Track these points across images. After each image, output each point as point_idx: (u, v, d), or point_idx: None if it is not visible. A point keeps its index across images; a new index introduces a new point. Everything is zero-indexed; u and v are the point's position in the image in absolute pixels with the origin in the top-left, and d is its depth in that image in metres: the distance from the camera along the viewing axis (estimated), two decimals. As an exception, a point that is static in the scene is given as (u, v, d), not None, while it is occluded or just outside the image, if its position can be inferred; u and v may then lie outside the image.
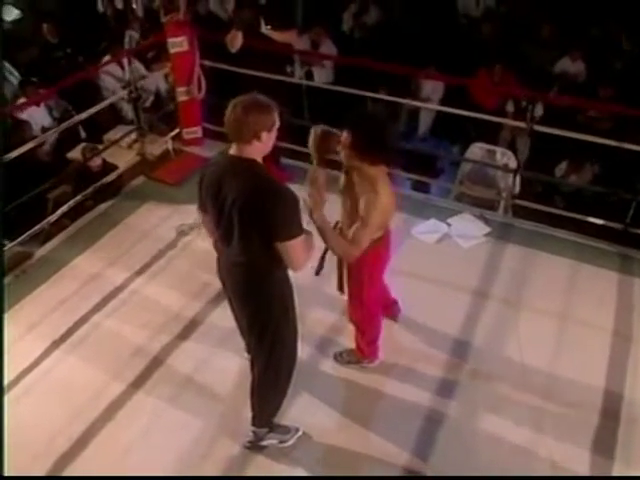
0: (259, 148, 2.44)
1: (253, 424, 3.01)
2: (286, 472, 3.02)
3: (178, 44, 4.71)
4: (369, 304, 3.24)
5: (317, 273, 3.15)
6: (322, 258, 3.12)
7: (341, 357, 3.51)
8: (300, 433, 3.12)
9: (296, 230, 2.46)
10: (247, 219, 2.43)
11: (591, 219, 4.37)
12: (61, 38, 7.10)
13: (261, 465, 3.05)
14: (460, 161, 5.54)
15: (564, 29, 6.69)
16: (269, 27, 4.37)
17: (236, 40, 4.36)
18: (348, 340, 3.51)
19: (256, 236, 2.46)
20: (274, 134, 2.47)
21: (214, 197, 2.51)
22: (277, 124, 2.47)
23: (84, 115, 4.88)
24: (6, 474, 2.10)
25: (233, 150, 2.47)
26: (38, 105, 5.90)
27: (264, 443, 3.07)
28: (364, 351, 3.42)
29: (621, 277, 4.09)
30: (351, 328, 3.42)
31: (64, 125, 5.01)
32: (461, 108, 6.01)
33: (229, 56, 4.58)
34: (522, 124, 4.46)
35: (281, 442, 3.09)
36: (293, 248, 2.46)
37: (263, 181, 2.44)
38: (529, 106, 4.41)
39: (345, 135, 2.77)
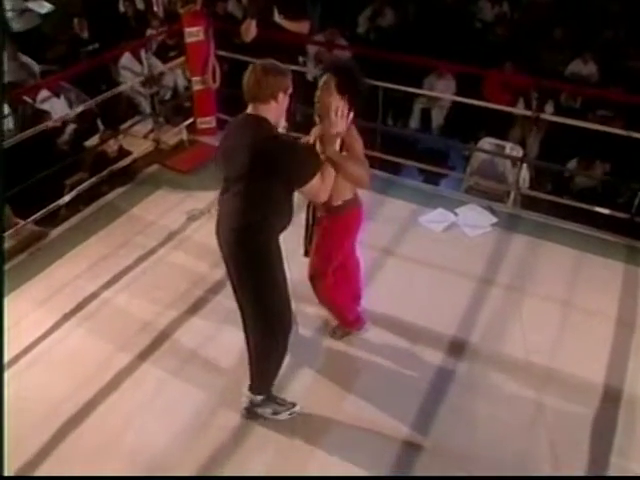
0: (274, 108, 2.60)
1: (249, 389, 3.06)
2: (284, 442, 3.05)
3: (194, 34, 4.84)
4: (326, 277, 3.24)
5: (306, 254, 3.25)
6: (309, 238, 3.23)
7: (334, 333, 3.56)
8: (297, 409, 3.14)
9: (312, 171, 2.63)
10: (257, 168, 2.54)
11: (598, 209, 4.39)
12: (90, 33, 7.30)
13: (261, 434, 3.08)
14: (469, 156, 5.58)
15: (576, 32, 6.74)
16: (282, 16, 4.47)
17: (250, 30, 4.47)
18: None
19: (263, 185, 2.58)
20: (287, 99, 2.63)
21: (227, 147, 2.69)
22: (291, 89, 2.62)
23: (99, 98, 5.05)
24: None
25: (250, 110, 2.62)
26: (54, 93, 6.03)
27: (259, 411, 3.10)
28: (348, 324, 3.50)
29: (627, 267, 4.12)
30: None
31: (79, 109, 5.13)
32: (472, 107, 6.15)
33: (243, 48, 4.69)
34: (528, 112, 4.50)
35: (274, 413, 3.11)
36: (313, 188, 2.66)
37: (274, 134, 2.61)
38: (534, 95, 4.40)
39: (327, 79, 2.86)
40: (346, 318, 3.49)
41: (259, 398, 3.08)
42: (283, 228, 2.76)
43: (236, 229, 2.68)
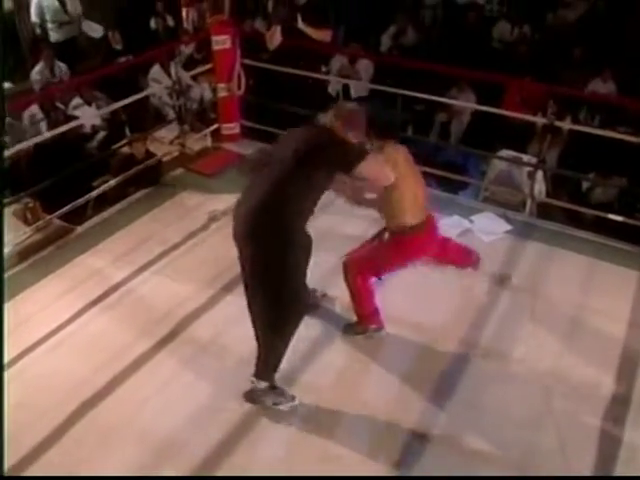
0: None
1: (254, 374, 3.13)
2: (294, 431, 3.12)
3: (221, 42, 5.04)
4: (364, 280, 3.39)
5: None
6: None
7: (349, 329, 3.62)
8: (296, 403, 3.18)
9: (359, 156, 2.87)
10: (305, 152, 2.83)
11: (612, 216, 4.43)
12: (125, 45, 7.58)
13: (270, 421, 3.15)
14: (487, 168, 5.66)
15: (596, 51, 6.85)
16: (305, 24, 4.64)
17: (275, 37, 4.64)
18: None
19: (303, 169, 2.81)
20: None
21: (286, 137, 3.01)
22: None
23: (127, 101, 5.29)
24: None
25: None
26: (86, 101, 6.28)
27: (260, 398, 3.16)
28: (366, 320, 3.54)
29: (640, 275, 4.15)
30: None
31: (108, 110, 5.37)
32: (491, 121, 6.26)
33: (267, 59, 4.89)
34: (543, 120, 4.58)
35: (274, 404, 3.16)
36: (365, 170, 2.89)
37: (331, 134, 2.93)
38: (552, 109, 4.49)
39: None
40: (366, 309, 3.51)
41: (262, 385, 3.13)
42: (300, 215, 2.89)
43: (258, 205, 2.85)
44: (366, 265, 3.40)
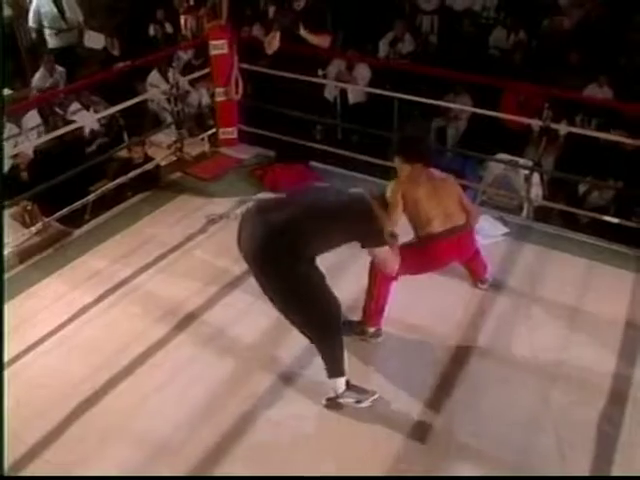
0: None
1: (328, 375, 3.14)
2: (295, 431, 3.13)
3: (219, 47, 5.08)
4: (385, 277, 3.44)
5: None
6: None
7: (348, 327, 3.59)
8: (376, 396, 3.21)
9: (381, 240, 3.09)
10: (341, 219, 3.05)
11: (607, 218, 4.46)
12: (123, 52, 7.63)
13: (264, 427, 3.14)
14: (484, 173, 5.70)
15: (592, 57, 6.90)
16: (307, 31, 4.69)
17: (274, 41, 4.68)
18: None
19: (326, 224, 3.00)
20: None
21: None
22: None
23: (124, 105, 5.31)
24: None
25: None
26: (84, 106, 6.32)
27: (342, 401, 3.18)
28: (370, 318, 3.56)
29: (637, 276, 4.14)
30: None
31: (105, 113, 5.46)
32: (488, 127, 6.30)
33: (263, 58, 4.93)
34: (539, 122, 4.62)
35: (357, 402, 3.18)
36: (381, 253, 3.14)
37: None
38: (548, 114, 4.53)
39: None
40: (376, 305, 3.53)
41: (341, 386, 3.15)
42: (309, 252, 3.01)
43: (276, 227, 2.94)
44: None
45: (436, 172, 3.60)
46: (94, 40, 7.76)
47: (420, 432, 3.12)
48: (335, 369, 3.13)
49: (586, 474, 2.95)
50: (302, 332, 3.14)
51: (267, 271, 2.98)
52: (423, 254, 3.52)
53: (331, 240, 3.06)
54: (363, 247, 3.14)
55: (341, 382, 3.14)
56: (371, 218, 3.07)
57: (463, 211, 3.57)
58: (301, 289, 2.97)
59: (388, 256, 3.18)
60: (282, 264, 2.91)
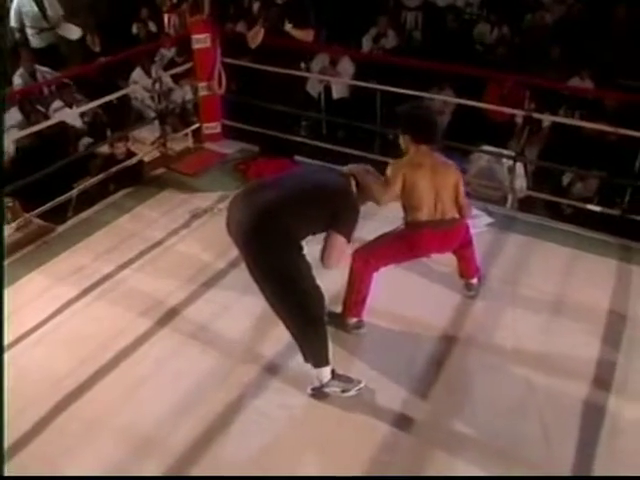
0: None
1: (313, 365, 3.12)
2: (280, 420, 3.12)
3: (201, 40, 5.06)
4: (367, 265, 3.44)
5: None
6: None
7: (331, 318, 3.58)
8: (362, 385, 3.19)
9: (350, 231, 3.05)
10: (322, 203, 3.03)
11: (590, 206, 4.48)
12: (103, 47, 7.58)
13: (249, 418, 3.12)
14: (468, 165, 5.70)
15: (573, 51, 6.94)
16: (291, 25, 4.69)
17: (258, 36, 4.67)
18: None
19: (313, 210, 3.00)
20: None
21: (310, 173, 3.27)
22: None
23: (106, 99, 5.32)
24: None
25: None
26: (67, 104, 6.27)
27: (327, 390, 3.17)
28: (350, 309, 3.54)
29: (620, 264, 4.18)
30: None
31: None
32: (472, 120, 6.32)
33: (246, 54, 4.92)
34: (522, 112, 4.64)
35: (343, 391, 3.17)
36: (339, 241, 3.02)
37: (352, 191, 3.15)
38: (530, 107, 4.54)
39: None
40: (356, 295, 3.51)
41: (326, 376, 3.14)
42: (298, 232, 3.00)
43: (257, 216, 2.92)
44: (374, 252, 3.47)
45: (440, 157, 3.54)
46: (70, 31, 7.69)
47: (405, 421, 3.12)
48: (320, 359, 3.12)
49: (571, 458, 2.96)
50: (286, 324, 3.11)
51: (257, 253, 2.96)
52: (404, 241, 3.50)
53: (316, 221, 3.03)
54: (331, 230, 3.05)
55: (326, 371, 3.13)
56: (353, 206, 3.08)
57: (455, 206, 3.52)
58: (288, 275, 2.95)
59: (343, 247, 3.09)
60: (272, 245, 2.91)
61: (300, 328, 3.06)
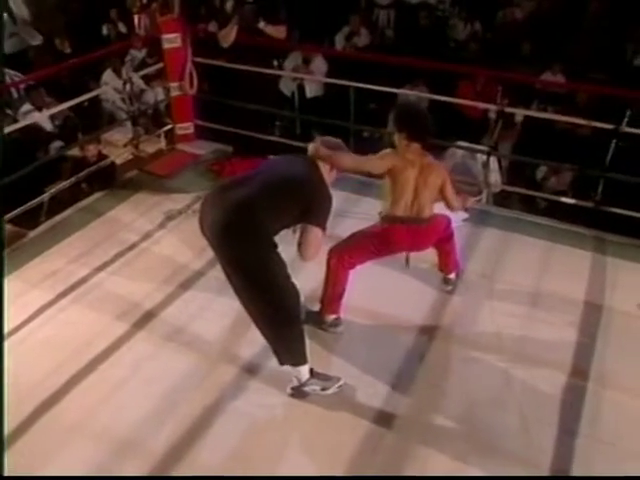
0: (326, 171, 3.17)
1: (292, 364, 3.09)
2: (259, 423, 3.09)
3: (172, 40, 5.01)
4: (341, 262, 3.44)
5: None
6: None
7: (309, 317, 3.59)
8: (342, 382, 3.18)
9: (324, 222, 2.99)
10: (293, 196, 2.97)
11: (564, 199, 4.52)
12: (73, 49, 7.48)
13: (227, 420, 3.09)
14: (442, 159, 5.72)
15: (544, 46, 7.01)
16: (265, 23, 4.66)
17: (230, 35, 4.64)
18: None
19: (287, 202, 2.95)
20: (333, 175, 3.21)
21: (279, 163, 3.20)
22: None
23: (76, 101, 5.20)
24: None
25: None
26: (37, 107, 6.17)
27: (307, 389, 3.14)
28: (327, 305, 3.53)
29: (594, 256, 4.23)
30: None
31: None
32: (446, 116, 6.32)
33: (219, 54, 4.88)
34: (494, 106, 4.66)
35: (323, 389, 3.15)
36: (314, 233, 2.97)
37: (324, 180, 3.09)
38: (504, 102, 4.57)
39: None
40: (333, 292, 3.50)
41: (306, 376, 3.11)
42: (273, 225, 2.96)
43: (238, 202, 2.88)
44: (348, 249, 3.46)
45: (429, 157, 3.52)
46: (31, 36, 7.59)
47: (386, 417, 3.12)
48: (297, 358, 3.10)
49: (551, 449, 2.98)
50: (259, 325, 3.06)
51: (231, 251, 2.91)
52: (376, 237, 3.49)
53: (289, 214, 2.98)
54: (305, 222, 3.01)
55: (304, 370, 3.11)
56: (325, 194, 3.04)
57: (433, 207, 3.53)
58: (263, 273, 2.91)
59: (319, 238, 3.03)
60: (246, 241, 2.86)
61: (275, 328, 3.02)
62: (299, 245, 3.02)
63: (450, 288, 3.90)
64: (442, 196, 3.57)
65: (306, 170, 3.08)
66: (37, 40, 7.90)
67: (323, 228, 3.02)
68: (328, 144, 3.20)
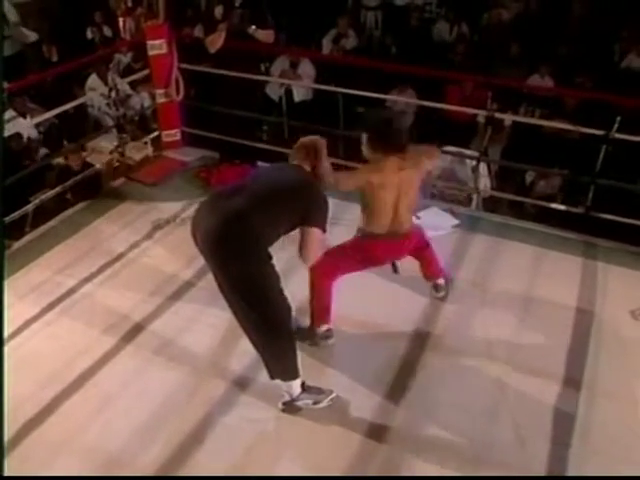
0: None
1: (283, 379, 3.04)
2: (251, 439, 3.05)
3: (157, 47, 4.94)
4: (324, 275, 3.39)
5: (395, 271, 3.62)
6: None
7: (299, 333, 3.51)
8: (334, 395, 3.14)
9: (323, 222, 2.96)
10: (291, 194, 2.95)
11: (554, 205, 4.51)
12: (60, 56, 7.39)
13: (219, 436, 3.04)
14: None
15: (532, 48, 7.00)
16: (254, 28, 4.61)
17: (218, 41, 4.59)
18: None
19: (284, 207, 2.90)
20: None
21: (272, 171, 3.21)
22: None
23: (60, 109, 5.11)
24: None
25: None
26: (20, 113, 6.09)
27: (299, 404, 3.10)
28: (317, 317, 3.48)
29: (585, 261, 4.22)
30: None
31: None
32: (434, 121, 6.32)
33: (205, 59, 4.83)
34: (483, 112, 4.64)
35: (315, 403, 3.10)
36: (315, 234, 2.93)
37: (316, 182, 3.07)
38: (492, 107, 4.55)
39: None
40: (320, 303, 3.44)
41: (296, 389, 3.06)
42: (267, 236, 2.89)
43: (233, 212, 2.82)
44: (331, 263, 3.37)
45: (408, 159, 3.28)
46: (25, 35, 7.49)
47: (379, 430, 3.08)
48: (289, 372, 3.05)
49: (545, 459, 2.96)
50: (251, 338, 3.01)
51: (225, 262, 2.84)
52: (359, 252, 3.43)
53: (287, 221, 2.93)
54: (305, 225, 2.94)
55: (296, 384, 3.07)
56: (322, 197, 3.00)
57: (411, 217, 3.48)
58: (257, 285, 2.85)
59: (320, 239, 2.99)
60: (241, 252, 2.79)
61: (267, 341, 2.98)
62: (300, 249, 2.98)
63: (442, 294, 3.85)
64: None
65: (297, 175, 3.05)
66: (32, 37, 7.78)
67: (323, 229, 2.97)
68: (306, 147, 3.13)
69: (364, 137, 3.27)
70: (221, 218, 2.83)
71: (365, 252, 3.43)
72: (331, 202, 3.11)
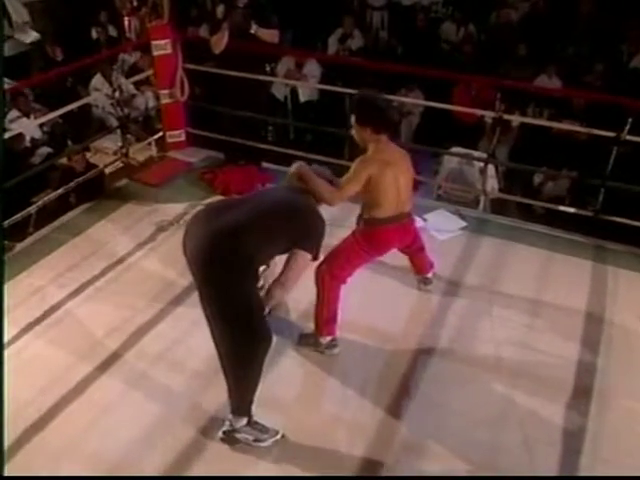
0: None
1: (231, 411, 2.93)
2: (246, 451, 2.97)
3: (162, 47, 4.89)
4: (333, 278, 3.33)
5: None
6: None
7: (303, 340, 3.51)
8: (279, 437, 2.97)
9: (316, 247, 2.87)
10: (286, 215, 2.87)
11: (562, 208, 4.44)
12: (65, 56, 7.36)
13: (219, 445, 2.98)
14: (438, 167, 5.65)
15: (540, 48, 6.93)
16: (257, 27, 4.56)
17: (222, 41, 4.53)
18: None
19: (277, 226, 2.82)
20: None
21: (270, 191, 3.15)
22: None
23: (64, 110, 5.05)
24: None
25: None
26: (24, 113, 6.05)
27: (239, 436, 2.94)
28: (323, 326, 3.41)
29: (595, 265, 4.15)
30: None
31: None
32: (441, 122, 6.27)
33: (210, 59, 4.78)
34: (492, 113, 4.57)
35: (256, 440, 2.94)
36: (304, 258, 2.83)
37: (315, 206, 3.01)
38: (500, 107, 4.48)
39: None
40: (327, 312, 3.37)
41: (241, 423, 2.93)
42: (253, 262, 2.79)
43: (224, 228, 2.73)
44: (335, 262, 3.34)
45: (395, 146, 3.34)
46: (26, 34, 7.46)
47: (384, 437, 3.02)
48: (241, 408, 2.91)
49: (555, 469, 2.90)
50: (221, 361, 2.86)
51: (213, 281, 2.70)
52: (363, 241, 3.37)
53: (280, 243, 2.85)
54: (298, 248, 2.84)
55: (242, 420, 2.94)
56: (320, 222, 2.92)
57: (411, 196, 3.41)
58: (242, 308, 2.71)
59: (305, 265, 2.90)
60: (231, 272, 2.68)
61: (236, 369, 2.82)
62: (284, 270, 2.85)
63: (430, 287, 3.86)
64: None
65: (298, 196, 2.99)
66: (31, 37, 7.75)
67: (316, 256, 2.90)
68: (316, 171, 3.11)
69: (353, 118, 3.25)
70: (213, 235, 2.71)
71: (374, 240, 3.37)
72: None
